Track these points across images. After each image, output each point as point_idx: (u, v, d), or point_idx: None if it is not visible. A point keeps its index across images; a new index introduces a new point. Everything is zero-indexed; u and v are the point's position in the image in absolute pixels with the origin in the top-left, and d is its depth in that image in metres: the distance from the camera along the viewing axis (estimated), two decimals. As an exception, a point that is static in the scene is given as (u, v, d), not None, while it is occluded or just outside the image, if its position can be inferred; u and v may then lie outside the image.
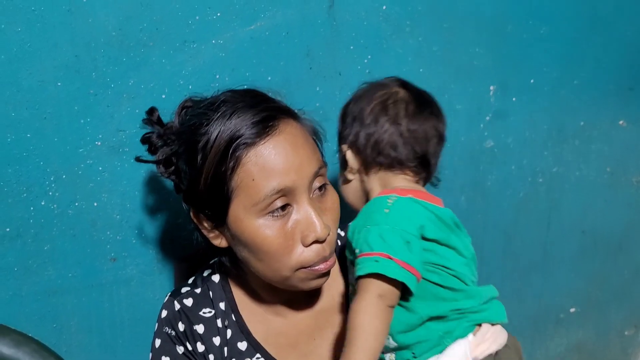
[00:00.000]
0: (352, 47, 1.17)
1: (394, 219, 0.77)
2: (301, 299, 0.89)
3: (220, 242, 0.81)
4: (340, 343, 0.86)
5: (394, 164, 0.86)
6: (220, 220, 0.78)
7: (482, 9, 1.28)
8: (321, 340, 0.89)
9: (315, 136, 0.85)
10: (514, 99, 1.40)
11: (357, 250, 0.78)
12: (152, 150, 0.86)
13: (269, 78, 1.10)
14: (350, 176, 0.90)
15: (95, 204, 1.03)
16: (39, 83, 0.93)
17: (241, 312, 0.87)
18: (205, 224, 0.81)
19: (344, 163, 0.90)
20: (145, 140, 0.87)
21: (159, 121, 0.86)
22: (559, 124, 1.50)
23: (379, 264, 0.74)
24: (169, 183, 1.07)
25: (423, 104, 0.89)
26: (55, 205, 1.00)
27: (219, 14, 1.02)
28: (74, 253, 1.04)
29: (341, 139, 0.90)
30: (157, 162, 0.85)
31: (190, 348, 0.84)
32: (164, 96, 1.02)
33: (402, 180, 0.87)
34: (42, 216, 1.00)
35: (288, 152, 0.75)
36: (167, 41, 1.00)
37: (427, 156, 0.87)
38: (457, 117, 1.34)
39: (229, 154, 0.74)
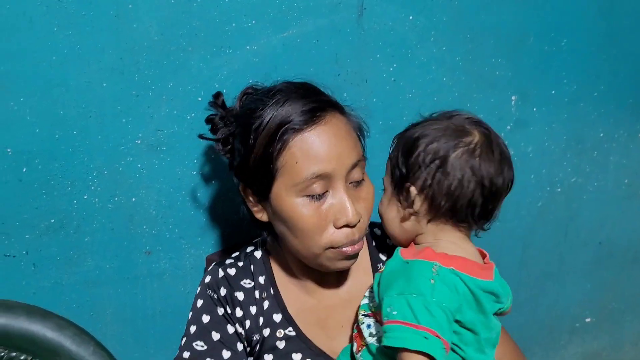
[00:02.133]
0: (378, 56, 1.22)
1: (439, 293, 0.75)
2: (331, 281, 0.94)
3: (262, 216, 0.89)
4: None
5: (459, 219, 0.81)
6: (264, 196, 0.85)
7: (504, 22, 1.32)
8: (348, 326, 0.94)
9: (359, 131, 0.91)
10: (534, 109, 1.44)
11: (394, 312, 0.75)
12: (214, 130, 0.95)
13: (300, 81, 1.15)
14: (407, 216, 0.84)
15: (133, 199, 1.09)
16: (86, 83, 0.99)
17: (278, 287, 0.93)
18: (251, 198, 0.89)
19: (402, 199, 0.84)
20: (209, 120, 0.96)
21: (223, 104, 0.95)
22: (578, 135, 1.54)
23: (428, 342, 0.72)
24: (204, 182, 1.13)
25: (505, 159, 0.83)
26: (96, 199, 1.06)
27: (253, 22, 1.08)
28: (112, 246, 1.10)
29: (407, 176, 0.82)
30: (216, 140, 0.93)
31: (229, 311, 0.90)
32: (200, 99, 1.08)
33: (452, 236, 0.83)
34: (84, 209, 1.06)
35: (331, 142, 0.82)
36: (204, 46, 1.06)
37: (495, 211, 0.83)
38: (478, 125, 1.39)
39: (277, 137, 0.81)
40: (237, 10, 1.06)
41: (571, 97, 1.48)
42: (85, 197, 1.05)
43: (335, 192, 0.83)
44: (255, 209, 0.90)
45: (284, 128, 0.81)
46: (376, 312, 0.86)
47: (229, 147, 0.91)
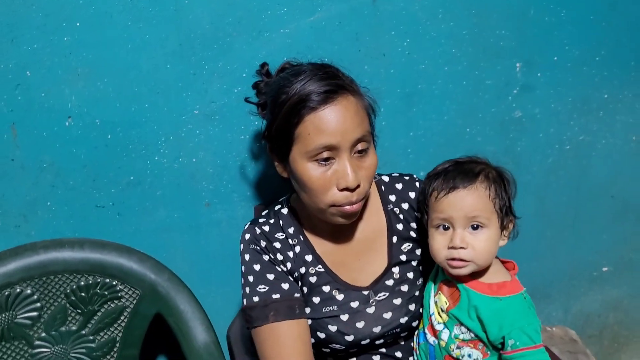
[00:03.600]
0: (393, 33, 1.41)
1: (534, 314, 1.02)
2: (347, 229, 1.13)
3: (283, 172, 1.08)
4: (378, 263, 1.12)
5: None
6: (284, 158, 1.04)
7: None
8: (363, 261, 1.14)
9: (370, 110, 1.07)
10: (539, 74, 1.59)
11: (517, 343, 0.97)
12: (258, 95, 1.15)
13: (326, 59, 1.36)
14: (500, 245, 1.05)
15: (194, 160, 1.33)
16: (154, 66, 1.24)
17: (306, 234, 1.13)
18: (276, 158, 1.08)
19: (506, 231, 1.05)
20: (254, 86, 1.16)
21: (267, 73, 1.15)
22: (583, 96, 1.67)
23: (546, 354, 0.98)
24: (251, 144, 1.36)
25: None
26: (165, 160, 1.30)
27: (285, 9, 1.30)
28: (178, 199, 1.34)
29: (511, 211, 1.05)
30: (257, 104, 1.14)
31: (272, 257, 1.09)
32: (244, 75, 1.31)
33: None
34: (156, 168, 1.30)
35: (338, 119, 0.99)
36: (246, 31, 1.29)
37: None
38: (487, 91, 1.56)
39: (296, 112, 1.00)
40: (271, 0, 1.29)
41: (574, 62, 1.62)
42: (156, 158, 1.30)
43: (340, 161, 0.99)
44: (279, 167, 1.08)
45: (301, 105, 0.97)
46: (471, 342, 1.03)
47: (265, 112, 1.11)
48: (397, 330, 1.11)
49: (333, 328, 1.08)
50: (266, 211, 1.17)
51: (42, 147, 1.21)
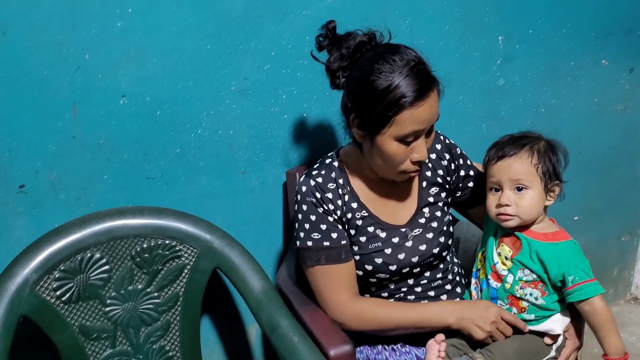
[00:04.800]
0: (397, 12, 1.59)
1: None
2: (387, 180, 1.30)
3: (360, 139, 1.22)
4: (411, 205, 1.31)
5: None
6: (372, 132, 1.18)
7: None
8: (399, 204, 1.33)
9: (440, 94, 1.22)
10: (517, 46, 1.81)
11: (577, 278, 1.18)
12: (319, 48, 1.23)
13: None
14: (546, 205, 1.25)
15: (231, 132, 1.47)
16: (196, 47, 1.37)
17: (352, 184, 1.30)
18: (358, 127, 1.19)
19: (552, 192, 1.25)
20: (318, 42, 1.23)
21: (334, 31, 1.21)
22: (554, 65, 1.90)
23: (600, 286, 1.19)
24: (279, 116, 1.50)
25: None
26: (206, 133, 1.44)
27: (307, -7, 1.46)
28: (218, 168, 1.48)
29: (557, 175, 1.24)
30: (327, 66, 1.22)
31: (325, 208, 1.26)
32: (273, 53, 1.46)
33: None
34: (199, 140, 1.44)
35: (427, 113, 1.14)
36: (273, 14, 1.43)
37: None
38: (475, 62, 1.76)
39: (397, 103, 1.12)
40: (295, -15, 1.44)
41: (545, 34, 1.84)
42: (199, 131, 1.43)
43: (419, 141, 1.17)
44: (356, 131, 1.21)
45: (403, 100, 1.11)
46: (532, 282, 1.22)
47: (338, 74, 1.20)
48: (431, 259, 1.32)
49: (379, 260, 1.27)
50: (317, 164, 1.33)
51: (100, 125, 1.32)
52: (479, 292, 1.31)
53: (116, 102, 1.32)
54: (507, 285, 1.25)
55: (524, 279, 1.24)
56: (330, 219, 1.26)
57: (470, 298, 1.33)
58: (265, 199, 1.56)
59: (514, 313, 1.26)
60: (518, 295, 1.24)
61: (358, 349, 1.31)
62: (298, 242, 1.28)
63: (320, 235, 1.26)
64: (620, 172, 2.20)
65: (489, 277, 1.28)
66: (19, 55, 1.20)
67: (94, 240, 1.27)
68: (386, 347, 1.31)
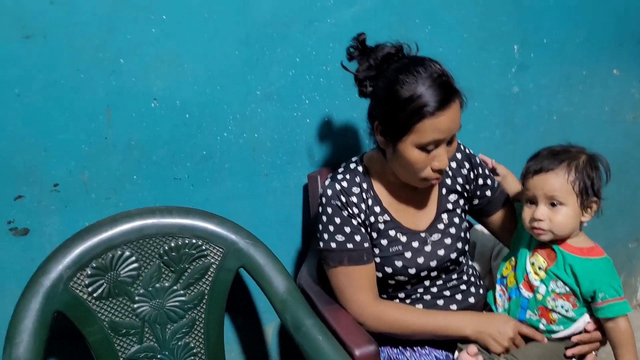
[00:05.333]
0: (417, 21, 1.63)
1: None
2: (409, 186, 1.34)
3: (384, 145, 1.26)
4: (430, 211, 1.35)
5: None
6: (394, 139, 1.22)
7: None
8: (420, 210, 1.37)
9: (462, 105, 1.25)
10: (532, 54, 1.86)
11: (607, 296, 1.22)
12: (350, 58, 1.28)
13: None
14: (582, 221, 1.27)
15: (255, 135, 1.51)
16: (225, 53, 1.41)
17: (375, 189, 1.34)
18: (381, 134, 1.24)
19: (589, 209, 1.25)
20: (349, 53, 1.28)
21: (363, 44, 1.26)
22: (567, 73, 1.95)
23: (628, 305, 1.23)
24: (302, 121, 1.54)
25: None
26: (232, 136, 1.48)
27: (331, 2, 1.49)
28: (242, 170, 1.52)
29: (595, 192, 1.23)
30: (355, 75, 1.27)
31: (350, 212, 1.30)
32: (297, 59, 1.50)
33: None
34: (224, 143, 1.47)
35: (448, 123, 1.17)
36: (299, 22, 1.47)
37: None
38: (492, 69, 1.81)
39: (419, 112, 1.16)
40: (320, -7, 1.48)
41: (559, 43, 1.89)
42: (225, 134, 1.47)
43: (439, 149, 1.20)
44: (379, 138, 1.25)
45: (424, 109, 1.15)
46: (565, 295, 1.25)
47: (365, 83, 1.25)
48: (448, 263, 1.36)
49: (399, 263, 1.31)
50: (342, 168, 1.38)
51: (131, 127, 1.36)
52: (506, 301, 1.34)
53: (148, 105, 1.36)
54: (539, 297, 1.28)
55: (557, 290, 1.26)
56: (354, 222, 1.31)
57: (494, 304, 1.37)
58: (286, 201, 1.60)
59: (543, 324, 1.29)
60: (550, 306, 1.27)
61: (380, 349, 1.35)
62: (322, 243, 1.32)
63: (344, 238, 1.30)
64: (630, 180, 2.25)
65: (521, 286, 1.31)
66: (57, 58, 1.24)
67: (125, 238, 1.31)
68: (407, 347, 1.35)
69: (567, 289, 1.26)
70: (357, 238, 1.31)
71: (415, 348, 1.35)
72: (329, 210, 1.31)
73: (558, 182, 1.22)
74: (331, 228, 1.31)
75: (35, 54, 1.22)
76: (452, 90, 1.20)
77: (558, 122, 2.00)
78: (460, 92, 1.22)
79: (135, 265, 1.33)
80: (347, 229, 1.30)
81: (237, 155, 1.50)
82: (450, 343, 1.32)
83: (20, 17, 1.20)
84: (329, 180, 1.35)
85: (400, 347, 1.36)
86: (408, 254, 1.32)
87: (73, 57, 1.26)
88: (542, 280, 1.28)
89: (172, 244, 1.35)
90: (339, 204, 1.30)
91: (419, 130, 1.18)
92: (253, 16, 1.42)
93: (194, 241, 1.36)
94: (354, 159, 1.40)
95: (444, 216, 1.37)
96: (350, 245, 1.30)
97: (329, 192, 1.32)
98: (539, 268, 1.29)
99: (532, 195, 1.25)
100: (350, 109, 1.60)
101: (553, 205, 1.23)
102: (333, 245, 1.30)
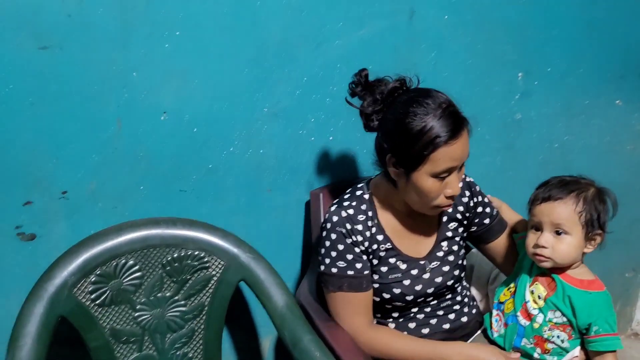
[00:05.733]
0: (423, 46, 1.67)
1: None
2: (414, 214, 1.36)
3: (397, 177, 1.28)
4: (431, 238, 1.38)
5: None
6: (408, 170, 1.23)
7: (511, 17, 1.76)
8: (420, 237, 1.40)
9: (470, 132, 1.28)
10: (535, 82, 1.89)
11: (600, 329, 1.24)
12: (352, 94, 1.32)
13: (370, 67, 1.59)
14: (585, 252, 1.29)
15: (260, 152, 1.54)
16: (234, 70, 1.45)
17: (379, 217, 1.36)
18: (394, 165, 1.26)
19: (593, 240, 1.28)
20: (351, 89, 1.31)
21: (366, 79, 1.30)
22: (569, 102, 1.98)
23: (620, 341, 1.26)
24: (309, 140, 1.57)
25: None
26: (237, 152, 1.51)
27: (341, 24, 1.53)
28: (246, 185, 1.55)
29: (600, 224, 1.26)
30: (361, 110, 1.29)
31: (354, 239, 1.32)
32: (305, 79, 1.53)
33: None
34: (230, 158, 1.51)
35: (460, 151, 1.21)
36: (308, 43, 1.51)
37: None
38: (494, 96, 1.84)
39: (432, 144, 1.19)
40: (329, 16, 1.51)
41: (562, 73, 1.92)
42: (231, 149, 1.50)
43: (452, 177, 1.23)
44: (392, 170, 1.27)
45: (437, 140, 1.18)
46: (562, 325, 1.27)
47: (372, 117, 1.28)
48: (444, 290, 1.39)
49: (397, 290, 1.34)
50: (348, 194, 1.40)
51: (140, 139, 1.39)
52: (502, 326, 1.36)
53: (157, 118, 1.39)
54: (536, 325, 1.29)
55: (554, 320, 1.28)
56: (357, 250, 1.33)
57: (490, 328, 1.39)
58: (288, 218, 1.63)
59: (538, 353, 1.30)
60: (546, 336, 1.29)
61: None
62: (322, 267, 1.35)
63: (345, 264, 1.33)
64: (628, 210, 2.23)
65: (518, 313, 1.33)
66: (72, 70, 1.28)
67: (129, 247, 1.34)
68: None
69: (565, 319, 1.27)
70: (358, 266, 1.33)
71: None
72: (333, 236, 1.33)
73: (565, 211, 1.24)
74: (333, 254, 1.33)
75: (51, 65, 1.26)
76: (461, 119, 1.23)
77: (558, 151, 2.02)
78: (467, 120, 1.25)
79: (138, 274, 1.35)
80: (349, 257, 1.33)
81: (242, 171, 1.53)
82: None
83: (38, 28, 1.24)
84: (335, 206, 1.37)
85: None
86: (406, 282, 1.35)
87: (87, 70, 1.29)
88: (540, 309, 1.30)
89: (175, 255, 1.37)
90: (343, 231, 1.32)
91: (433, 160, 1.20)
92: (263, 36, 1.45)
93: (196, 253, 1.39)
94: (359, 185, 1.42)
95: (444, 244, 1.40)
96: (350, 272, 1.33)
97: (335, 218, 1.34)
98: (539, 297, 1.30)
99: (538, 221, 1.27)
100: (355, 129, 1.61)
101: (558, 233, 1.25)
102: (334, 270, 1.33)
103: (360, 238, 1.33)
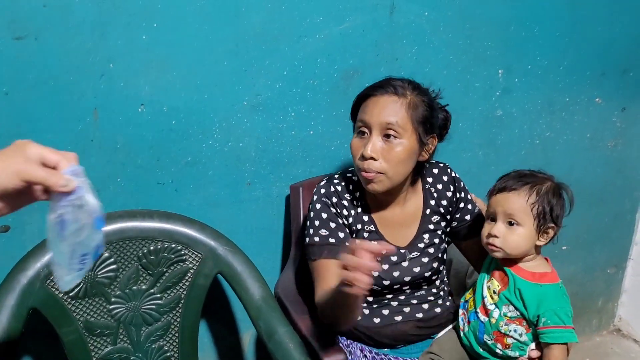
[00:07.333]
0: (404, 41, 1.67)
1: (568, 302, 1.27)
2: (399, 200, 1.38)
3: None
4: (413, 229, 1.39)
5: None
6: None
7: (493, 14, 1.76)
8: (403, 226, 1.41)
9: (420, 118, 1.28)
10: (516, 79, 1.89)
11: (549, 321, 1.23)
12: None
13: (351, 61, 1.60)
14: (539, 245, 1.30)
15: (240, 144, 1.53)
16: (214, 62, 1.44)
17: (367, 200, 1.38)
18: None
19: (545, 234, 1.28)
20: None
21: None
22: (550, 99, 1.99)
23: (574, 334, 1.25)
24: (286, 132, 1.57)
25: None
26: (217, 144, 1.50)
27: (321, 18, 1.53)
28: (226, 178, 1.54)
29: (552, 218, 1.27)
30: None
31: (338, 211, 1.35)
32: (285, 72, 1.53)
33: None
34: (209, 151, 1.50)
35: (375, 106, 1.27)
36: (289, 36, 1.51)
37: None
38: (475, 92, 1.85)
39: (358, 97, 1.32)
40: (310, 9, 1.50)
41: (543, 70, 1.93)
42: (210, 142, 1.50)
43: (370, 137, 1.27)
44: None
45: (362, 94, 1.32)
46: (517, 319, 1.28)
47: None
48: (420, 280, 1.39)
49: (375, 273, 1.33)
50: (339, 174, 1.42)
51: (118, 130, 1.38)
52: (466, 324, 1.37)
53: (135, 109, 1.38)
54: (493, 320, 1.30)
55: (509, 314, 1.29)
56: (340, 221, 1.35)
57: (459, 328, 1.39)
58: (268, 211, 1.63)
59: (499, 349, 1.31)
60: (503, 331, 1.30)
61: (350, 357, 1.37)
62: (307, 239, 1.36)
63: (327, 232, 1.34)
64: (609, 206, 2.28)
65: (478, 310, 1.34)
66: (48, 60, 1.27)
67: (105, 239, 1.32)
68: (375, 356, 1.38)
69: (518, 313, 1.28)
70: (341, 235, 1.34)
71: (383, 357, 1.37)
72: (318, 206, 1.36)
73: (518, 202, 1.26)
74: (317, 222, 1.35)
75: (26, 55, 1.25)
76: (392, 86, 1.28)
77: (540, 147, 2.03)
78: (407, 96, 1.28)
79: (113, 266, 1.34)
80: (332, 225, 1.35)
81: (222, 163, 1.53)
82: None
83: (13, 18, 1.23)
84: (324, 181, 1.40)
85: (368, 354, 1.38)
86: (385, 266, 1.35)
87: (63, 60, 1.28)
88: (495, 304, 1.31)
89: (152, 247, 1.36)
90: (328, 202, 1.35)
91: (358, 115, 1.31)
92: (243, 28, 1.45)
93: (173, 245, 1.38)
94: (350, 168, 1.44)
95: (425, 236, 1.41)
96: (332, 240, 1.33)
97: (322, 190, 1.37)
98: (494, 292, 1.32)
99: (493, 211, 1.29)
100: (335, 123, 1.63)
101: (510, 224, 1.27)
102: (316, 239, 1.34)
103: (345, 212, 1.36)
